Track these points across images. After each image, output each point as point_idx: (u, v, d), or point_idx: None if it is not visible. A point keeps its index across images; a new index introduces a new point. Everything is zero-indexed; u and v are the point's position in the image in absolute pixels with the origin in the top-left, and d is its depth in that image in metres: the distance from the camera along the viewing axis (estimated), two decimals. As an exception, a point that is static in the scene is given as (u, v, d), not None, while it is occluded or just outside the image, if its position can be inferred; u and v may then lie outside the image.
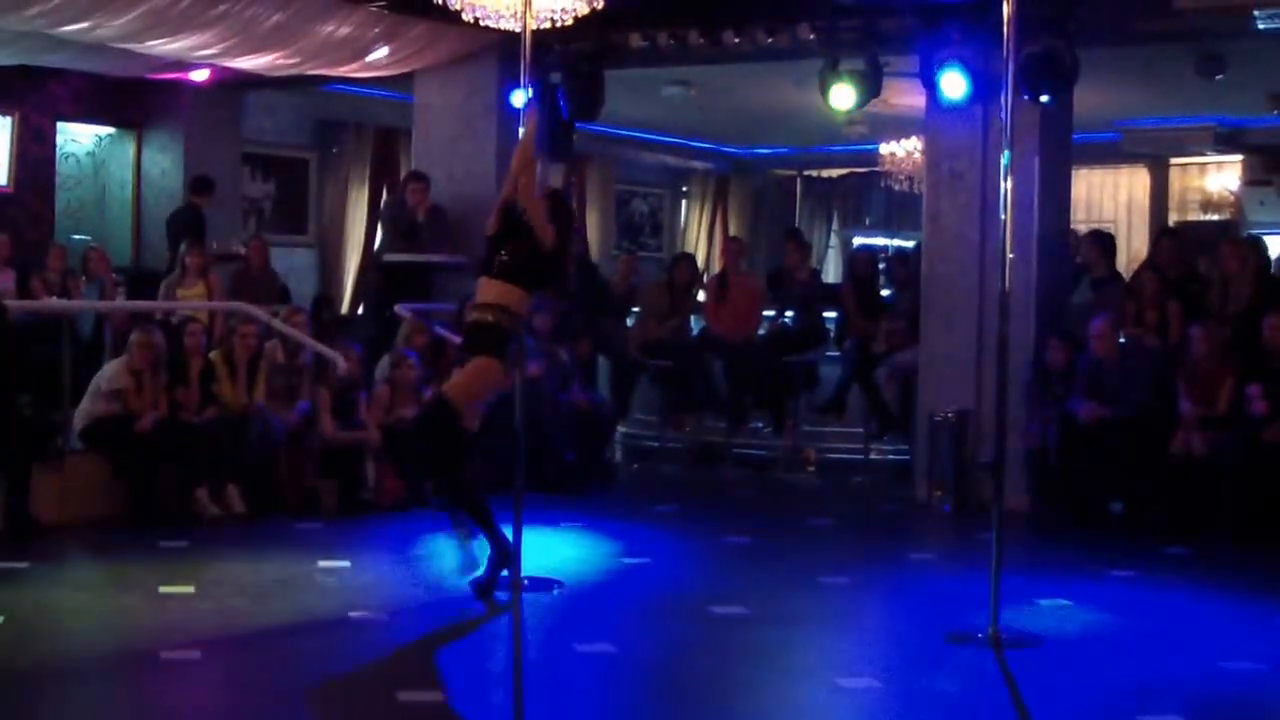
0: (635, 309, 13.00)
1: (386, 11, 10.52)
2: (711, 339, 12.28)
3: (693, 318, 12.86)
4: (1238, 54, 11.50)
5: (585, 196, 17.86)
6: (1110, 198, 17.94)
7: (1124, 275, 11.15)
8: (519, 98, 8.19)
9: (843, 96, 10.46)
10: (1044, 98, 9.66)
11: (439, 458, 7.28)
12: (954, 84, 10.16)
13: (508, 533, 7.36)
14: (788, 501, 11.00)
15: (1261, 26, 9.32)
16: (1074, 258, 11.39)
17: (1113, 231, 12.98)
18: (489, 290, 7.18)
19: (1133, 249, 16.25)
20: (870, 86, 10.44)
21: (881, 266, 13.29)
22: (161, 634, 6.50)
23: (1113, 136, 15.76)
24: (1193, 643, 6.78)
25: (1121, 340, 9.95)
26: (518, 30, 7.70)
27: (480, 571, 7.35)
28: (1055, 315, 10.43)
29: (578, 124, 11.16)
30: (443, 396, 7.20)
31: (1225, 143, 15.90)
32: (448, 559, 8.34)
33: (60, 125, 13.14)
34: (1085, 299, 10.59)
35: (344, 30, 10.54)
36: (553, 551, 8.29)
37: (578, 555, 8.44)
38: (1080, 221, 14.58)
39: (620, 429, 12.61)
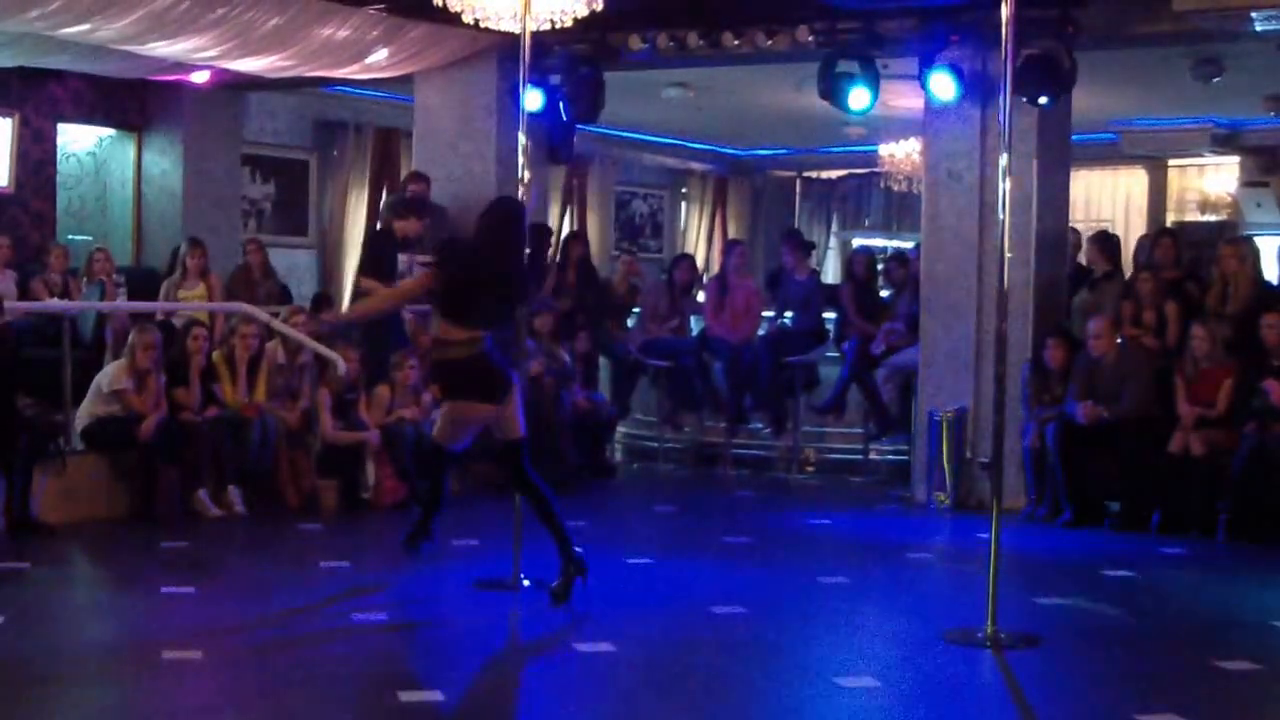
0: (635, 310, 13.03)
1: (386, 14, 10.53)
2: (711, 340, 12.30)
3: (692, 318, 12.89)
4: (1235, 56, 11.52)
5: (585, 198, 17.89)
6: (1108, 198, 17.94)
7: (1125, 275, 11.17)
8: (533, 99, 8.13)
9: (860, 98, 10.45)
10: (1042, 100, 9.70)
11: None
12: (943, 85, 10.19)
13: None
14: (787, 502, 11.03)
15: (1260, 28, 9.34)
16: (1074, 257, 11.44)
17: (1110, 231, 12.98)
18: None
19: (1131, 249, 16.25)
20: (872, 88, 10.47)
21: (880, 267, 13.31)
22: (163, 634, 6.51)
23: (1111, 137, 15.78)
24: (1190, 642, 6.80)
25: (1119, 340, 9.97)
26: (517, 32, 7.71)
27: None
28: (1053, 315, 10.47)
29: (578, 125, 11.20)
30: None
31: (1222, 144, 15.92)
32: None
33: (61, 126, 13.14)
34: (1086, 298, 10.62)
35: (343, 33, 10.55)
36: (553, 552, 8.30)
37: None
38: (1078, 222, 14.60)
39: (620, 429, 12.64)
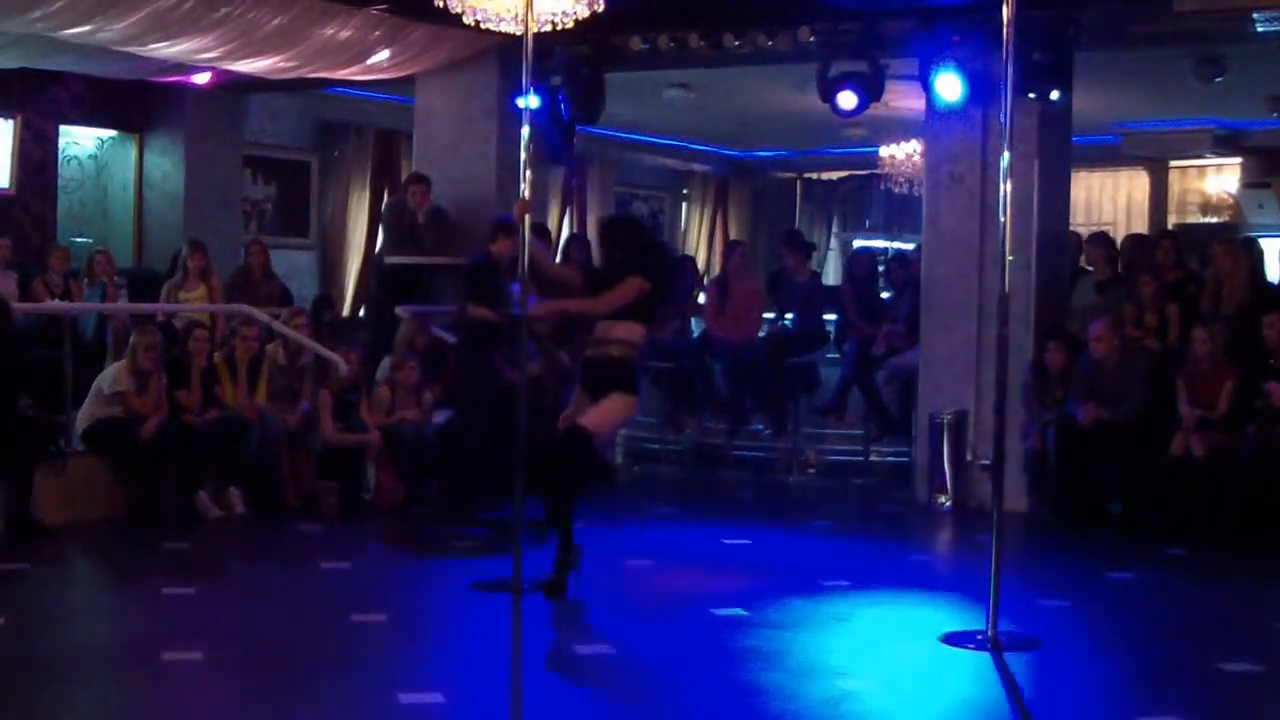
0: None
1: (387, 15, 10.54)
2: (712, 341, 12.30)
3: (693, 320, 12.88)
4: (1236, 57, 11.52)
5: (586, 199, 17.89)
6: (1110, 200, 17.95)
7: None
8: (533, 100, 8.07)
9: (847, 100, 10.46)
10: (1054, 95, 9.67)
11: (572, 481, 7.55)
12: (949, 85, 10.17)
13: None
14: (788, 503, 11.02)
15: (1261, 29, 9.34)
16: (1074, 259, 11.42)
17: (1111, 234, 12.97)
18: (613, 329, 7.40)
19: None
20: (871, 89, 10.46)
21: (881, 269, 13.30)
22: (163, 635, 6.51)
23: (1112, 139, 15.77)
24: (1192, 644, 6.80)
25: (1120, 342, 9.96)
26: (518, 33, 7.71)
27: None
28: (1054, 317, 10.46)
29: (578, 127, 11.19)
30: (579, 429, 7.32)
31: (1224, 145, 15.92)
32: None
33: (62, 128, 13.15)
34: (1088, 301, 10.61)
35: (345, 34, 10.56)
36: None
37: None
38: (1079, 224, 14.59)
39: (621, 431, 12.62)
